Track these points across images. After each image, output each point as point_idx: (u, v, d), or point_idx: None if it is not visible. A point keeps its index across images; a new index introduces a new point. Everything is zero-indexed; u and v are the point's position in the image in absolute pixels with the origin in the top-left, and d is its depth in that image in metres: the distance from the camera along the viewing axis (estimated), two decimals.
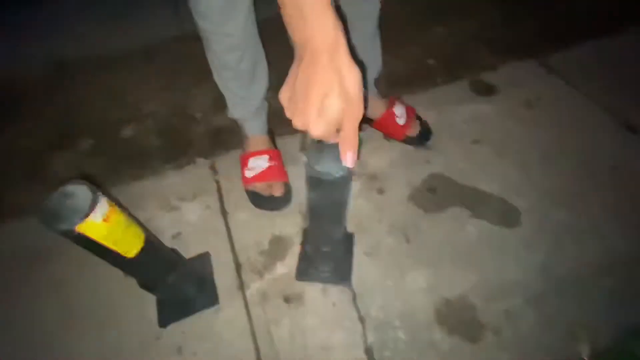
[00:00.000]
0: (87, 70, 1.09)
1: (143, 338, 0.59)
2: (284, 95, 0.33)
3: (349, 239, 0.68)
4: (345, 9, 0.58)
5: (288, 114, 0.33)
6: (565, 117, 0.88)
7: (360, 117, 0.32)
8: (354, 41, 0.70)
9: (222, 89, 0.71)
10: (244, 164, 0.77)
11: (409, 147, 0.84)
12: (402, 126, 0.82)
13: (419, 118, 0.85)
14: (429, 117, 0.86)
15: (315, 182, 0.39)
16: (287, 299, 0.62)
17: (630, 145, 0.82)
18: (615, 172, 0.77)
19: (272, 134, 0.82)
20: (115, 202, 0.40)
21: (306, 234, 0.69)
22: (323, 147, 0.37)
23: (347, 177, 0.39)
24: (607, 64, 1.00)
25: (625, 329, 0.57)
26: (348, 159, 0.34)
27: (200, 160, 0.85)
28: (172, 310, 0.61)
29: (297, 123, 0.31)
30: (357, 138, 0.34)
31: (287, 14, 0.28)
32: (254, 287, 0.64)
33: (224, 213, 0.75)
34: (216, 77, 0.70)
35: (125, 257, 0.42)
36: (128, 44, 1.15)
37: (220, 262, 0.67)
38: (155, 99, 1.00)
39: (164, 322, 0.60)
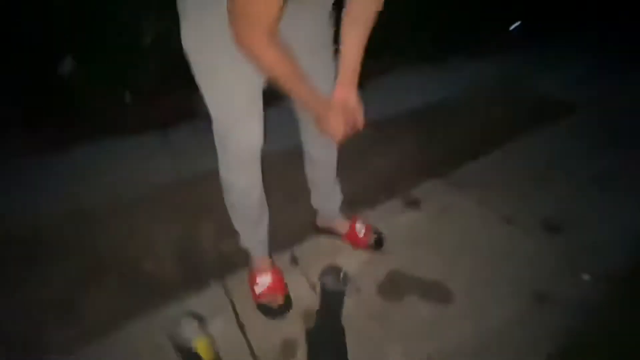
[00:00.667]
0: (103, 213, 1.31)
1: None
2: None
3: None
4: (310, 162, 0.97)
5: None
6: (464, 219, 1.31)
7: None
8: (322, 188, 1.08)
9: (238, 227, 0.99)
10: (252, 282, 1.01)
11: (371, 253, 1.16)
12: (362, 238, 1.15)
13: (375, 230, 1.19)
14: (381, 227, 1.22)
15: (326, 295, 0.67)
16: None
17: (508, 235, 1.24)
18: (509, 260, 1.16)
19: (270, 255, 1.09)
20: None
21: (309, 335, 0.91)
22: (331, 271, 0.66)
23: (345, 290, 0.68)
24: (495, 174, 1.51)
25: None
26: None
27: (214, 283, 1.07)
28: None
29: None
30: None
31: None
32: None
33: (240, 325, 0.95)
34: (234, 219, 0.98)
35: None
36: (133, 191, 1.42)
37: None
38: (167, 234, 1.23)
39: None
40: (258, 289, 0.99)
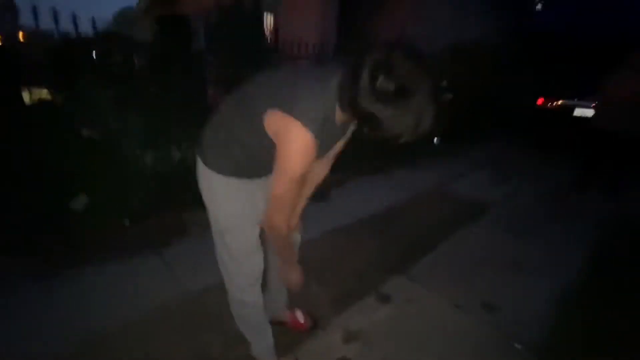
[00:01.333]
0: (115, 339, 1.41)
1: None
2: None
3: None
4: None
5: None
6: (426, 308, 1.65)
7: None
8: (274, 290, 1.40)
9: (251, 337, 1.22)
10: None
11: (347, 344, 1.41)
12: (304, 323, 1.46)
13: (310, 315, 1.49)
14: (360, 322, 1.49)
15: None
16: None
17: (458, 317, 1.59)
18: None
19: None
20: None
21: None
22: None
23: None
24: (442, 266, 1.92)
25: None
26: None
27: None
28: None
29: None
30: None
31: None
32: None
33: None
34: (246, 330, 1.21)
35: None
36: (140, 311, 1.56)
37: None
38: (180, 350, 1.37)
39: None
40: None
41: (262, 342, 1.23)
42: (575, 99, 4.26)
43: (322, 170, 1.16)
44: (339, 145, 1.08)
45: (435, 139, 4.31)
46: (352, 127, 1.01)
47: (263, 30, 3.27)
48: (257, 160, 0.97)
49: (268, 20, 4.81)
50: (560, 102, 4.51)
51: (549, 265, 2.01)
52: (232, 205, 1.02)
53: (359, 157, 3.18)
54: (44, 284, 1.65)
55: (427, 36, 3.76)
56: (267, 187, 1.08)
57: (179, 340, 1.42)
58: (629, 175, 3.05)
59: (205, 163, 1.00)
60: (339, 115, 0.86)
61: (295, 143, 0.81)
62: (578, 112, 4.25)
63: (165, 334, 1.45)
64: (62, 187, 1.92)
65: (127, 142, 2.16)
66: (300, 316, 1.48)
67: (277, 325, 1.46)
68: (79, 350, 1.35)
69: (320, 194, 2.54)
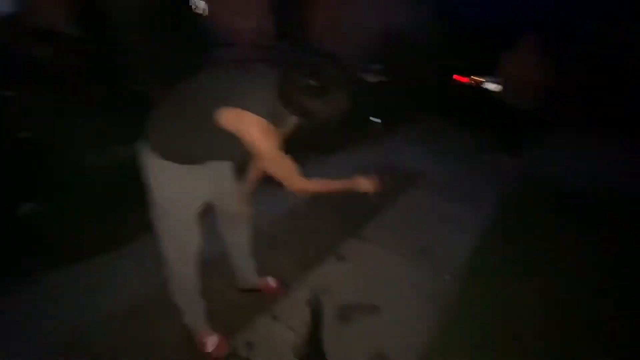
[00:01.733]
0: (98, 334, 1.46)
1: None
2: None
3: None
4: (231, 245, 1.48)
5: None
6: (373, 263, 1.96)
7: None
8: (242, 259, 1.62)
9: (185, 307, 1.33)
10: (202, 346, 1.33)
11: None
12: (275, 287, 1.66)
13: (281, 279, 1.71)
14: (323, 281, 1.75)
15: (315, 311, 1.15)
16: None
17: (407, 262, 1.93)
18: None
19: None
20: None
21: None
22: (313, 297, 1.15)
23: None
24: (387, 228, 2.25)
25: None
26: None
27: None
28: None
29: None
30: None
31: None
32: None
33: None
34: (182, 302, 1.31)
35: None
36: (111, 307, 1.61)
37: None
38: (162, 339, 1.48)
39: None
40: (209, 347, 1.34)
41: (192, 313, 1.35)
42: (485, 76, 4.97)
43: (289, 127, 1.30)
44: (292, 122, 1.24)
45: (376, 120, 4.72)
46: None
47: (195, 17, 3.23)
48: (200, 149, 1.11)
49: (202, 6, 4.67)
50: (473, 78, 5.21)
51: (470, 215, 2.47)
52: (170, 187, 1.13)
53: (310, 140, 3.41)
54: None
55: (357, 22, 4.02)
56: (214, 173, 1.25)
57: (162, 328, 1.52)
58: (529, 139, 3.74)
59: (151, 149, 1.10)
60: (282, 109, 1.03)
61: (251, 128, 0.99)
62: (487, 86, 4.96)
63: (149, 322, 1.54)
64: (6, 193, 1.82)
65: (67, 142, 2.08)
66: (271, 281, 1.68)
67: (252, 291, 1.65)
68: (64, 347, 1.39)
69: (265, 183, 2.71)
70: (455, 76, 5.31)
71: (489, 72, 4.69)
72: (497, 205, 2.67)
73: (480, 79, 5.03)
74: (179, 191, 1.15)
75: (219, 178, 1.31)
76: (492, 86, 4.44)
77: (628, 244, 2.24)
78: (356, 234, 2.19)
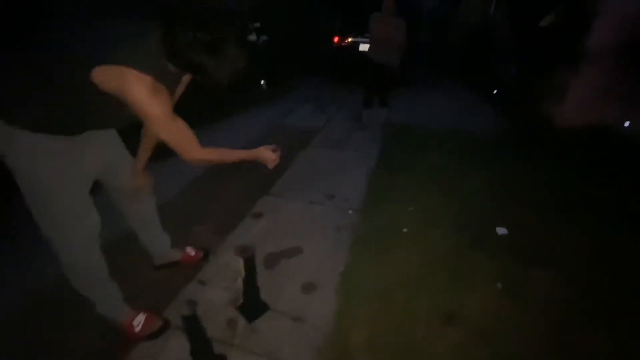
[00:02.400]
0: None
1: None
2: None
3: None
4: (137, 222, 1.41)
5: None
6: (287, 214, 2.12)
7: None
8: (152, 235, 1.57)
9: (98, 297, 1.20)
10: (130, 329, 1.23)
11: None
12: (194, 256, 1.62)
13: (201, 247, 1.68)
14: (245, 238, 1.82)
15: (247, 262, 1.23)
16: None
17: (319, 207, 2.16)
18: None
19: None
20: None
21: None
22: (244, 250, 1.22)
23: None
24: (299, 181, 2.41)
25: None
26: None
27: None
28: None
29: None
30: None
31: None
32: None
33: None
34: (93, 293, 1.18)
35: None
36: None
37: None
38: None
39: None
40: (137, 328, 1.24)
41: (106, 299, 1.23)
42: (359, 37, 5.44)
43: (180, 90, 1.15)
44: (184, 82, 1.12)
45: (262, 83, 4.68)
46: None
47: None
48: (72, 116, 0.93)
49: None
50: (349, 39, 5.64)
51: (360, 160, 2.86)
52: (48, 166, 0.94)
53: (199, 109, 3.20)
54: None
55: None
56: (97, 145, 1.09)
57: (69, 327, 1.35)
58: (392, 93, 4.40)
59: (6, 120, 0.88)
60: (170, 66, 0.90)
61: (137, 88, 0.84)
62: (362, 47, 5.47)
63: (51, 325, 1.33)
64: None
65: None
66: (190, 251, 1.65)
67: (171, 266, 1.60)
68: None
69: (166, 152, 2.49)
70: (335, 37, 5.64)
71: (362, 33, 5.15)
72: (377, 145, 3.17)
73: (356, 40, 5.49)
74: (58, 171, 0.96)
75: (103, 150, 1.14)
76: (364, 46, 4.91)
77: (464, 161, 3.01)
78: (267, 193, 2.29)
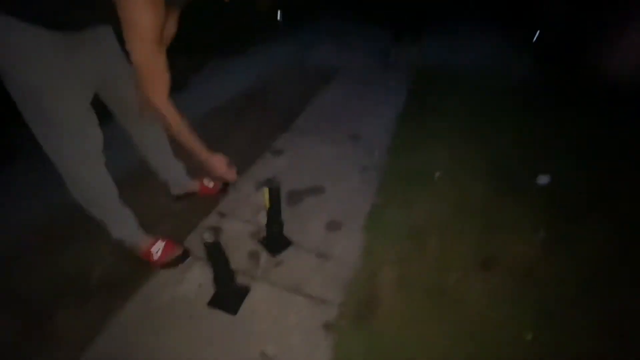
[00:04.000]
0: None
1: None
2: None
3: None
4: (147, 149, 1.27)
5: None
6: (308, 151, 1.98)
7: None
8: (165, 164, 1.40)
9: (111, 220, 1.12)
10: (148, 255, 1.18)
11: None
12: (213, 188, 1.54)
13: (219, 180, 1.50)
14: (264, 174, 1.70)
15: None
16: None
17: (341, 147, 2.00)
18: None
19: None
20: None
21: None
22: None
23: None
24: (314, 120, 2.23)
25: None
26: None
27: None
28: None
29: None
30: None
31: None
32: None
33: None
34: (106, 215, 1.11)
35: None
36: None
37: None
38: None
39: None
40: (157, 255, 1.19)
41: (121, 222, 1.16)
42: None
43: (171, 27, 0.99)
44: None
45: (279, 15, 4.24)
46: None
47: None
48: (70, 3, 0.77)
49: None
50: None
51: (386, 103, 2.62)
52: (43, 63, 0.80)
53: (213, 39, 2.91)
54: None
55: None
56: (96, 46, 0.93)
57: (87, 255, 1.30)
58: (426, 30, 3.95)
59: None
60: None
61: None
62: None
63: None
64: None
65: None
66: (208, 182, 1.55)
67: (189, 197, 1.51)
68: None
69: (179, 82, 2.30)
70: None
71: None
72: (406, 87, 2.89)
73: None
74: (49, 70, 0.81)
75: (102, 58, 0.96)
76: None
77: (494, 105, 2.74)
78: (288, 129, 2.13)
